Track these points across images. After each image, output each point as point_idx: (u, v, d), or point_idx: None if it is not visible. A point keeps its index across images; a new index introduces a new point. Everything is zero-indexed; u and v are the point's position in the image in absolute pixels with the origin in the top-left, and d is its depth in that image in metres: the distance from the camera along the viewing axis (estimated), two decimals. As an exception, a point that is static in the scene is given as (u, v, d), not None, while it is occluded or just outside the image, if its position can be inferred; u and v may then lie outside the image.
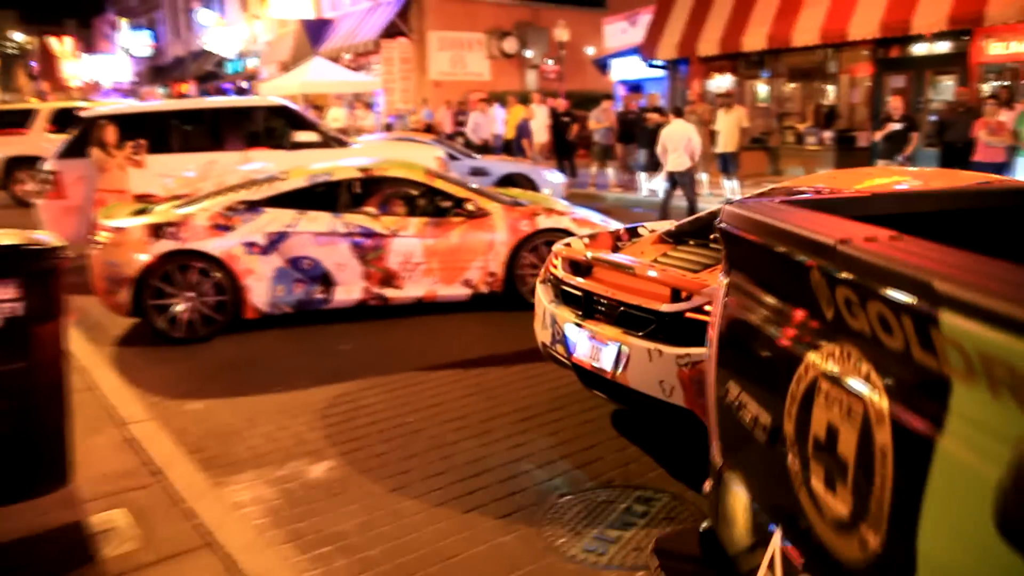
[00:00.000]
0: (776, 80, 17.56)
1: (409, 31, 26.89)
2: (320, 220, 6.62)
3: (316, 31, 30.46)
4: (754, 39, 15.87)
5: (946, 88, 14.20)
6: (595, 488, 3.91)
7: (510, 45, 27.90)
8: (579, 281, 4.31)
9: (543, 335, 4.55)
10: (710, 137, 13.72)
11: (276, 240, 6.50)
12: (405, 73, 26.92)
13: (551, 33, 24.85)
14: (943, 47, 14.18)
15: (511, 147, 17.40)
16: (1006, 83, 12.89)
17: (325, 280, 6.63)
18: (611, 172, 16.12)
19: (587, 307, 4.22)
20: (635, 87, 21.74)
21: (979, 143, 9.64)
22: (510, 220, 6.98)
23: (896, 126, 10.85)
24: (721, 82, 18.06)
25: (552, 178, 13.11)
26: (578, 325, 4.17)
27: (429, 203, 7.07)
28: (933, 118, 12.41)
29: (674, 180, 11.50)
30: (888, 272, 1.43)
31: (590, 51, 26.11)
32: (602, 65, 23.64)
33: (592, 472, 4.08)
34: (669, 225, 4.96)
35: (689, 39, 17.23)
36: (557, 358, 4.43)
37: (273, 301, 6.57)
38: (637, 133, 14.77)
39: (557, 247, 4.74)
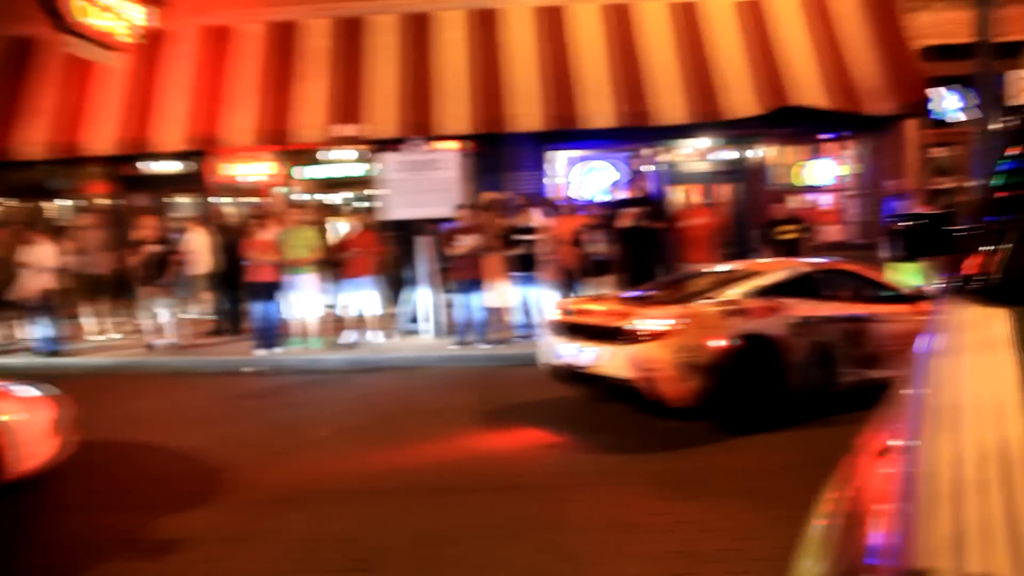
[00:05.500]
0: (-2, 197, 14.94)
1: None
2: None
3: None
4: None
5: (187, 207, 14.05)
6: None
7: None
8: (573, 319, 6.97)
9: (548, 356, 7.19)
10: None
11: None
12: None
13: None
14: (182, 166, 14.19)
15: None
16: (259, 201, 13.51)
17: None
18: None
19: (575, 332, 6.79)
20: None
21: (251, 263, 9.63)
22: None
23: (155, 249, 10.13)
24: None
25: None
26: (569, 342, 6.80)
27: None
28: (176, 236, 11.79)
29: None
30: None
31: None
32: None
33: None
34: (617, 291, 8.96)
35: None
36: (556, 367, 7.03)
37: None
38: None
39: (555, 304, 8.35)
